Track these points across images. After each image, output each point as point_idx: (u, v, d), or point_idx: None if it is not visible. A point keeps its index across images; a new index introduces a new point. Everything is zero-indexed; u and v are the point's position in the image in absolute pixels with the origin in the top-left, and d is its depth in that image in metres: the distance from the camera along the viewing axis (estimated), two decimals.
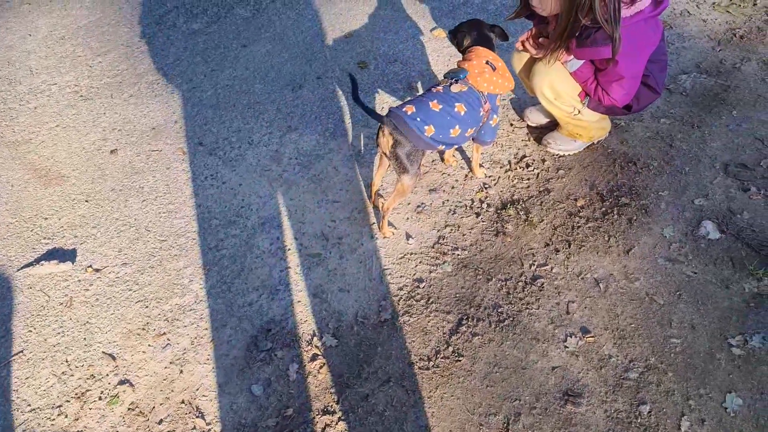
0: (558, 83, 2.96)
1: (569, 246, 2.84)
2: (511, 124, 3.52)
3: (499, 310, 2.62)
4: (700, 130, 3.37)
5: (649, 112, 3.50)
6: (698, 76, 3.74)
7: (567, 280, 2.70)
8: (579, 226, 2.92)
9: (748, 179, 3.05)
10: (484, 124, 2.85)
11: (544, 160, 3.29)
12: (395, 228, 3.01)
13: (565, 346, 2.47)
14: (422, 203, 3.12)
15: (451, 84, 2.74)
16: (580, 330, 2.52)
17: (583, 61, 2.86)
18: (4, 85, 3.99)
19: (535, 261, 2.79)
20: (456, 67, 2.83)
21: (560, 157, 3.29)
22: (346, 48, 4.19)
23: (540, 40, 2.97)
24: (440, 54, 4.07)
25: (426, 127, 2.60)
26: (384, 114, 2.65)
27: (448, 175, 3.26)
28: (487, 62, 2.75)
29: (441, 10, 4.48)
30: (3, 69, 4.13)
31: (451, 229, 2.98)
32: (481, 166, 3.27)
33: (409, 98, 2.76)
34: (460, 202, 3.12)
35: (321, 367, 2.47)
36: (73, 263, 2.90)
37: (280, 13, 4.55)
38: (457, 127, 2.67)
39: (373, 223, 3.03)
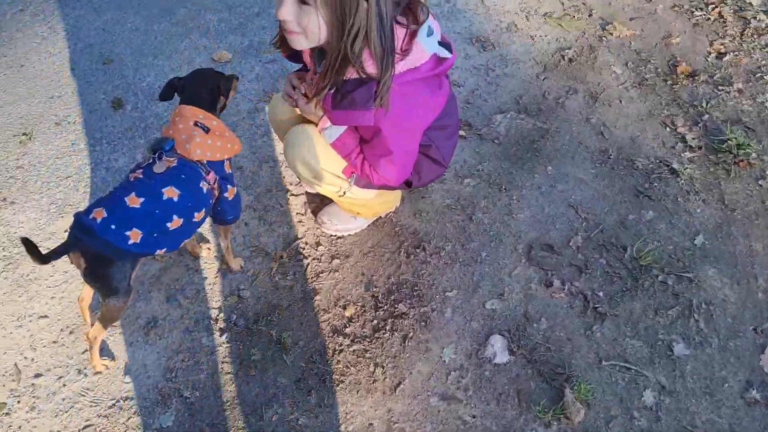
0: (312, 159, 2.29)
1: (324, 383, 2.23)
2: (287, 191, 2.83)
3: None
4: (507, 195, 2.80)
5: (454, 168, 2.90)
6: (515, 117, 3.16)
7: None
8: (342, 350, 2.31)
9: (552, 267, 2.52)
10: (218, 199, 2.18)
11: (318, 244, 2.65)
12: (111, 359, 2.30)
13: None
14: (155, 318, 2.43)
15: (154, 162, 2.02)
16: None
17: (344, 128, 2.19)
18: None
19: (279, 410, 2.17)
20: (161, 135, 2.13)
21: (339, 238, 2.65)
22: (102, 80, 3.36)
23: (295, 91, 2.28)
24: None
25: (129, 233, 1.92)
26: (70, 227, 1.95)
27: (196, 271, 2.57)
28: (195, 123, 2.08)
29: (229, 24, 3.68)
30: None
31: (185, 357, 2.32)
32: (237, 256, 2.58)
33: (102, 195, 2.05)
34: (204, 313, 2.45)
35: None
36: None
37: (25, 28, 3.62)
38: (175, 218, 2.02)
39: (86, 351, 2.31)
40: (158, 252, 2.09)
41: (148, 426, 2.16)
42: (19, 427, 2.17)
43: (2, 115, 3.17)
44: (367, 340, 2.34)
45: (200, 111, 2.14)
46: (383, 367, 2.27)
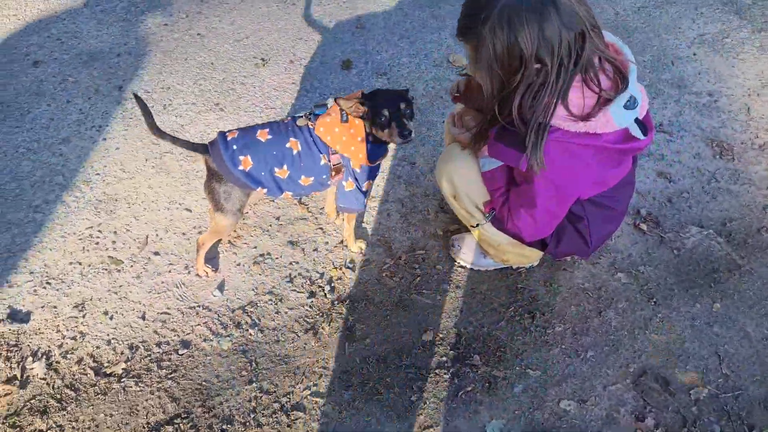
0: (459, 179, 2.28)
1: (365, 387, 2.22)
2: (441, 204, 2.83)
3: (224, 429, 2.10)
4: (654, 310, 2.52)
5: (613, 257, 2.68)
6: (713, 236, 2.81)
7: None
8: (397, 368, 2.27)
9: (655, 404, 2.24)
10: (335, 182, 2.29)
11: (438, 263, 2.62)
12: (213, 270, 2.51)
13: None
14: (268, 254, 2.59)
15: (303, 116, 2.18)
16: None
17: (500, 162, 2.13)
18: None
19: (314, 388, 2.21)
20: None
21: (461, 267, 2.60)
22: (347, 40, 3.61)
23: (464, 118, 2.30)
24: (439, 85, 3.39)
25: (242, 158, 2.11)
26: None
27: (323, 232, 2.69)
28: (342, 110, 2.15)
29: None
30: None
31: (270, 300, 2.45)
32: (360, 238, 2.66)
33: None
34: (308, 271, 2.56)
35: None
36: None
37: None
38: (285, 167, 2.16)
39: None
40: (258, 190, 2.19)
41: (208, 339, 2.32)
42: (120, 286, 2.46)
43: (256, 38, 3.55)
44: (426, 371, 2.27)
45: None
46: (425, 404, 2.19)
